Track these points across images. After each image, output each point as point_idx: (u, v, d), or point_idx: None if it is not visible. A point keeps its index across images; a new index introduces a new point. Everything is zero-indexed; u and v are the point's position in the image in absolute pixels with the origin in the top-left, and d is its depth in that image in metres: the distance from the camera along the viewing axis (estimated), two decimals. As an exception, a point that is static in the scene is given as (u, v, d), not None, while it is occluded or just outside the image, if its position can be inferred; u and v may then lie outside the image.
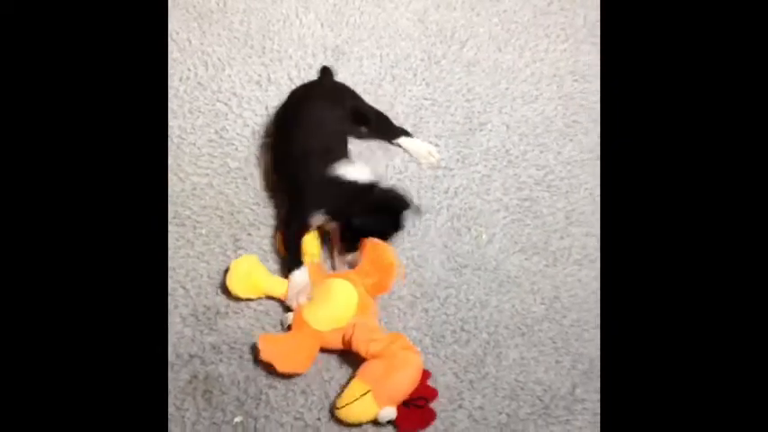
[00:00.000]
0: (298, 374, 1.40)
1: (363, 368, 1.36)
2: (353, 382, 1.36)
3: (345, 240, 1.52)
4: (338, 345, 1.41)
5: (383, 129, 1.72)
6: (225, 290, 1.50)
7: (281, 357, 1.39)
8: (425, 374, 1.40)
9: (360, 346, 1.36)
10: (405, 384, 1.35)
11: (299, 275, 1.47)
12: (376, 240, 1.47)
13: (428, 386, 1.40)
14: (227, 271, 1.49)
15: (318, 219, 1.51)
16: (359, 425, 1.37)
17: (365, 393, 1.33)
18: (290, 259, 1.50)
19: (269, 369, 1.40)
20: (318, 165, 1.51)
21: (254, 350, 1.42)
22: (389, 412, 1.34)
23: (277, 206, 1.62)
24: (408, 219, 1.55)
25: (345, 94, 1.71)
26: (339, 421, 1.37)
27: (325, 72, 1.80)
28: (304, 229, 1.51)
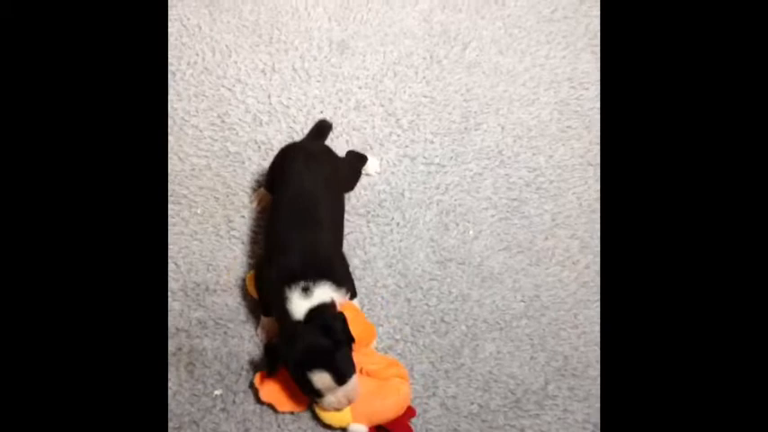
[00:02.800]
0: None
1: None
2: None
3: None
4: None
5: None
6: (215, 268, 1.56)
7: (281, 398, 1.40)
8: (410, 412, 1.41)
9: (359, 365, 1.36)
10: (385, 411, 1.37)
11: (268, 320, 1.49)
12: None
13: (407, 425, 1.40)
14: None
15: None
16: (328, 427, 1.41)
17: None
18: (262, 309, 1.50)
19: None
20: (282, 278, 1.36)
21: (254, 390, 1.44)
22: (359, 429, 1.37)
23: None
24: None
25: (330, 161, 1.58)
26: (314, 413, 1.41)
27: (323, 130, 1.71)
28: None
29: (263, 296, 1.46)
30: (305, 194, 1.44)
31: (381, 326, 1.54)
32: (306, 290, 1.33)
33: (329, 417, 1.37)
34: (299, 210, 1.43)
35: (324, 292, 1.34)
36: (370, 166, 1.72)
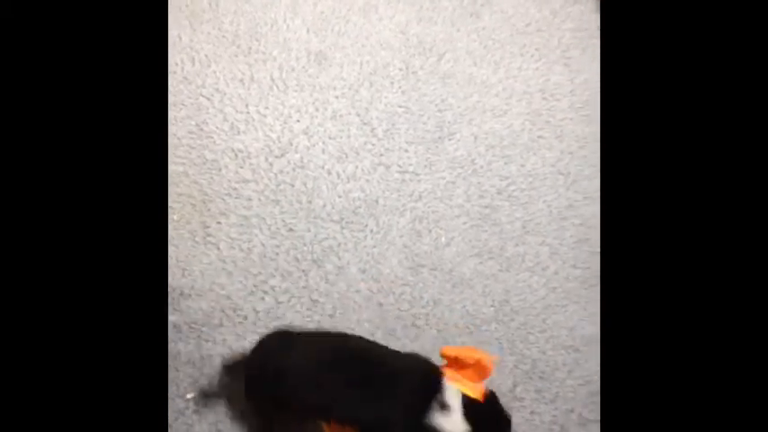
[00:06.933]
0: None
1: None
2: None
3: None
4: None
5: None
6: (190, 273, 1.58)
7: None
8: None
9: None
10: None
11: None
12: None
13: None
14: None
15: None
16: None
17: None
18: None
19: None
20: None
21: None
22: None
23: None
24: None
25: None
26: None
27: None
28: None
29: None
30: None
31: (354, 329, 1.56)
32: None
33: None
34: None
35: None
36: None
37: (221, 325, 1.54)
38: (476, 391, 1.22)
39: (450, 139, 1.87)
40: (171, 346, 1.51)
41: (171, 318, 1.54)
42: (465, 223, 1.74)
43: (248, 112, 1.84)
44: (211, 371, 1.49)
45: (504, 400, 1.50)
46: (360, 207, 1.73)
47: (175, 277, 1.59)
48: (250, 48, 1.97)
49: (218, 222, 1.67)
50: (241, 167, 1.75)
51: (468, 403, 1.18)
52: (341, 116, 1.87)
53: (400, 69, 1.98)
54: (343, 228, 1.69)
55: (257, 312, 1.56)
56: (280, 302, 1.58)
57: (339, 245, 1.67)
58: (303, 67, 1.95)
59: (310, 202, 1.71)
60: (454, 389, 1.20)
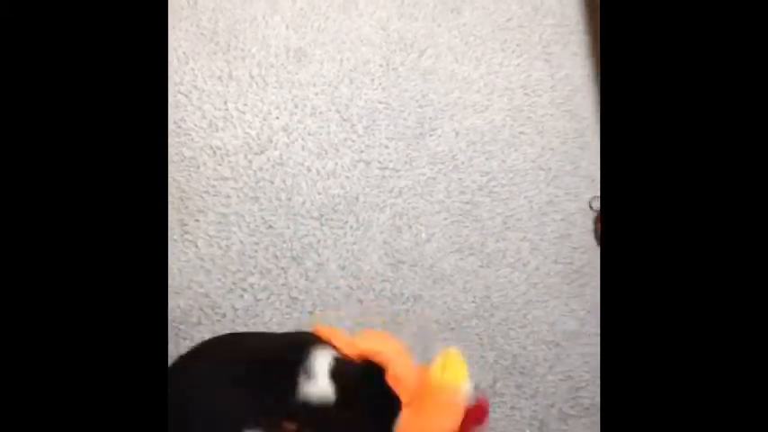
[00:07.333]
0: None
1: None
2: None
3: None
4: None
5: None
6: (168, 270, 1.57)
7: None
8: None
9: None
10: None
11: None
12: None
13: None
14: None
15: None
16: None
17: None
18: None
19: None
20: None
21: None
22: None
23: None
24: None
25: None
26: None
27: None
28: None
29: None
30: None
31: (333, 326, 1.55)
32: None
33: None
34: None
35: None
36: None
37: (199, 323, 1.53)
38: (351, 348, 1.17)
39: (430, 135, 1.86)
40: (148, 344, 1.49)
41: (148, 316, 1.52)
42: (446, 219, 1.73)
43: (227, 109, 1.83)
44: (189, 369, 1.48)
45: (484, 396, 1.50)
46: (340, 204, 1.72)
47: (153, 275, 1.57)
48: (229, 45, 1.95)
49: (197, 220, 1.65)
50: (219, 165, 1.73)
51: (336, 364, 1.13)
52: (320, 113, 1.86)
53: (381, 66, 1.97)
54: (322, 224, 1.68)
55: (236, 310, 1.55)
56: (258, 300, 1.57)
57: (319, 242, 1.65)
58: (282, 64, 1.93)
59: (290, 198, 1.69)
60: (323, 351, 1.15)
